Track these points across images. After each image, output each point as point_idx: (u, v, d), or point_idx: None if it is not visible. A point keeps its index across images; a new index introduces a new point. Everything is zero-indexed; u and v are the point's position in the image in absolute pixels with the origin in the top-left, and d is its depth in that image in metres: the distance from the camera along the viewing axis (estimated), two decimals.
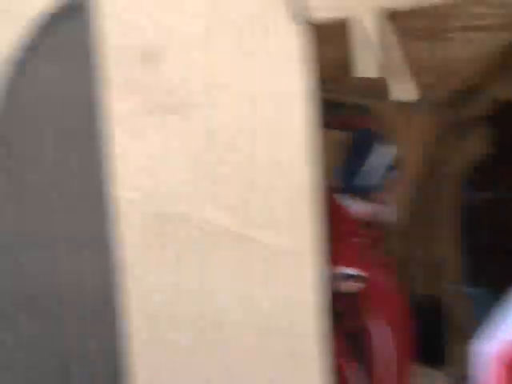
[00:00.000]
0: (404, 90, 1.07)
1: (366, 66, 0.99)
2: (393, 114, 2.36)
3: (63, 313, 1.08)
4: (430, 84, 2.00)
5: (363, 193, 2.04)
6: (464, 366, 1.47)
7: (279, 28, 0.99)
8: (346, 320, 1.82)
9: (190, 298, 1.04)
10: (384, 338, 1.91)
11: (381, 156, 2.04)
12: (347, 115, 2.43)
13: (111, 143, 1.03)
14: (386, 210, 2.08)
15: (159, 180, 1.05)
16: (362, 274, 1.90)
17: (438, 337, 2.66)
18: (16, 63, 1.08)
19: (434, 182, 2.70)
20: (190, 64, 1.04)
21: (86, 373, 1.10)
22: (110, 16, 1.02)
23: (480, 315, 1.43)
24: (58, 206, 1.08)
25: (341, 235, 1.77)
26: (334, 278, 1.77)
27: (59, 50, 1.08)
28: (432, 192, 2.69)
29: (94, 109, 1.04)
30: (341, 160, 2.05)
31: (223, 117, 1.05)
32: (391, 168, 2.06)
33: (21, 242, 1.10)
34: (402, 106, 2.23)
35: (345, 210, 2.01)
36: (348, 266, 1.88)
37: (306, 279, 1.02)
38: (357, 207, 2.03)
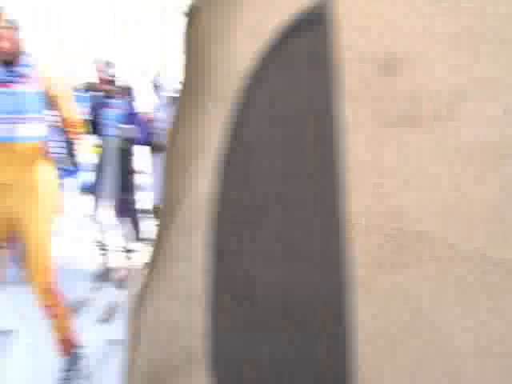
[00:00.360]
0: None
1: None
2: None
3: (293, 327, 1.08)
4: None
5: None
6: None
7: None
8: None
9: (426, 323, 0.96)
10: None
11: None
12: None
13: (346, 155, 1.01)
14: None
15: (398, 196, 0.99)
16: None
17: None
18: (253, 76, 1.11)
19: None
20: (433, 73, 0.97)
21: None
22: (348, 27, 0.99)
23: None
24: (289, 218, 1.09)
25: None
26: None
27: (296, 62, 1.08)
28: None
29: (328, 120, 1.02)
30: None
31: (472, 130, 0.96)
32: None
33: (253, 254, 1.12)
34: None
35: None
36: None
37: None
38: None
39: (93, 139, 6.20)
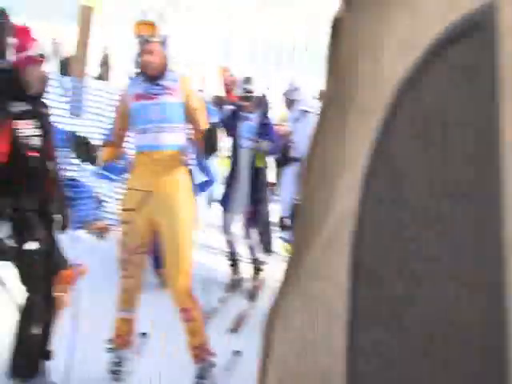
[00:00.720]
0: None
1: None
2: None
3: (450, 357, 1.00)
4: None
5: None
6: None
7: None
8: None
9: None
10: None
11: None
12: None
13: (509, 174, 0.91)
14: None
15: None
16: None
17: None
18: (404, 88, 1.05)
19: None
20: None
21: None
22: None
23: None
24: (443, 239, 1.01)
25: None
26: None
27: (453, 73, 1.01)
28: None
29: (491, 136, 0.93)
30: None
31: None
32: None
33: (401, 275, 1.06)
34: None
35: None
36: None
37: None
38: None
39: (224, 152, 6.36)
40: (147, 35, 3.26)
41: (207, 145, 3.50)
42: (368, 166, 1.12)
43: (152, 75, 3.34)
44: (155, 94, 3.34)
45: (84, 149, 3.48)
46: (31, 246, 3.20)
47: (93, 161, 3.59)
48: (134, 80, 3.59)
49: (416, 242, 1.04)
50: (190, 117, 3.42)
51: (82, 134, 3.76)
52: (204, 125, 3.49)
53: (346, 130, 1.20)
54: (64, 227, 3.53)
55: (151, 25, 3.27)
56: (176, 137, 3.37)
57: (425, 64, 1.02)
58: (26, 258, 3.21)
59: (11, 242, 3.15)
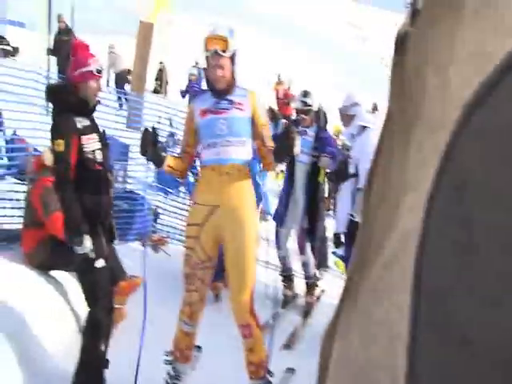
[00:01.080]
0: None
1: None
2: None
3: None
4: None
5: None
6: None
7: None
8: None
9: None
10: None
11: None
12: None
13: None
14: None
15: None
16: None
17: None
18: (475, 104, 1.02)
19: None
20: None
21: None
22: None
23: None
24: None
25: None
26: None
27: None
28: None
29: None
30: None
31: None
32: None
33: (467, 295, 1.01)
34: None
35: None
36: None
37: None
38: None
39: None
40: (219, 49, 3.26)
41: (283, 146, 3.40)
42: (434, 183, 1.08)
43: (221, 90, 3.35)
44: (223, 109, 3.35)
45: (152, 149, 3.42)
46: (100, 263, 3.26)
47: (159, 162, 3.50)
48: (200, 96, 3.60)
49: (481, 260, 1.00)
50: (256, 132, 3.41)
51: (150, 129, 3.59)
52: (269, 141, 3.47)
53: (411, 148, 1.17)
54: (112, 238, 3.56)
55: (224, 39, 3.28)
56: (243, 151, 3.36)
57: (497, 78, 0.99)
58: (93, 275, 3.26)
59: (92, 255, 3.20)
